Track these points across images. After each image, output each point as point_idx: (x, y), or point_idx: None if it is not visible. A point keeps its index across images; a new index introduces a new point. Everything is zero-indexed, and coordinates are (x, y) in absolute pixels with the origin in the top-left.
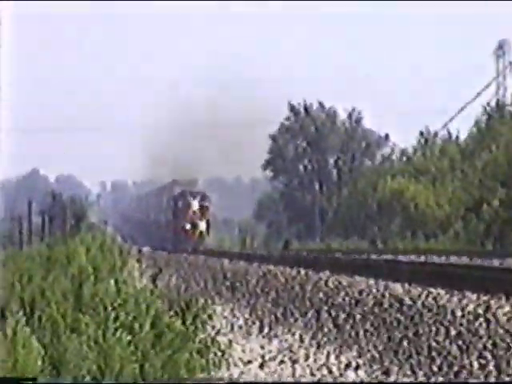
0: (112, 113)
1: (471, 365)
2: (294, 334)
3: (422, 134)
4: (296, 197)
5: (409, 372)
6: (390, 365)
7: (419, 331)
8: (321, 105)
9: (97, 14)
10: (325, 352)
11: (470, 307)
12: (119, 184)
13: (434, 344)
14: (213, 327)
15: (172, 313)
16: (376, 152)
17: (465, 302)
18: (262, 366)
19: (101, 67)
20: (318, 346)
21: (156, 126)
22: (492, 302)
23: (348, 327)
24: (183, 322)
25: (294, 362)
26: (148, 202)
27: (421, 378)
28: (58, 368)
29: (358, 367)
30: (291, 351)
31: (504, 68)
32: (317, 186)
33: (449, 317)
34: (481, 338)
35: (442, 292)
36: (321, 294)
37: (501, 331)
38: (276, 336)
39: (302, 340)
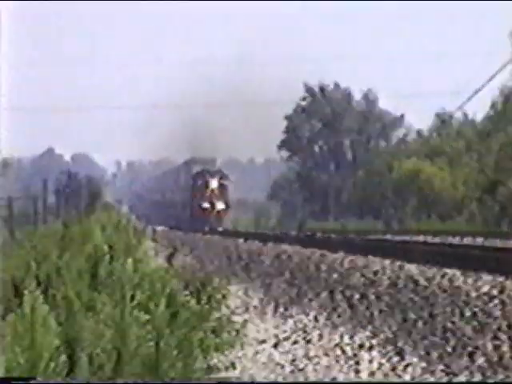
0: (127, 91)
1: (485, 346)
2: (308, 315)
3: (438, 115)
4: (311, 177)
5: (422, 352)
6: (404, 345)
7: (434, 312)
8: (336, 86)
9: None
10: (339, 332)
11: (485, 288)
12: (135, 163)
13: (448, 325)
14: (227, 307)
15: (187, 292)
16: (391, 133)
17: (480, 283)
18: (276, 346)
19: (115, 45)
20: (332, 327)
21: (173, 104)
22: (507, 282)
23: (362, 308)
24: (198, 302)
25: (308, 341)
26: (164, 182)
27: (434, 360)
28: (73, 346)
29: (371, 348)
30: (305, 331)
31: None
32: (332, 167)
33: (464, 298)
34: (495, 319)
35: (458, 273)
36: (335, 275)
37: None
38: (290, 316)
39: (316, 320)
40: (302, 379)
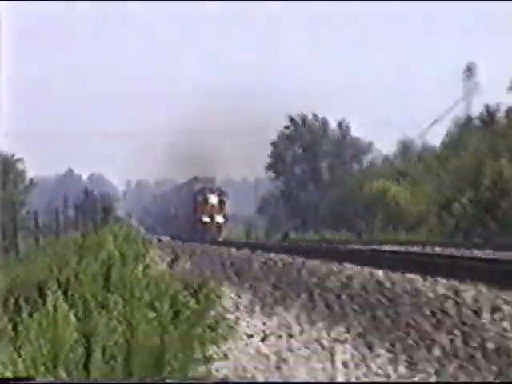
0: (136, 121)
1: (441, 340)
2: (290, 313)
3: (401, 142)
4: (293, 195)
5: (388, 345)
6: (373, 339)
7: (398, 311)
8: (314, 116)
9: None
10: (317, 328)
11: (442, 290)
12: (142, 182)
13: (410, 322)
14: (222, 306)
15: (187, 293)
16: (363, 157)
17: (437, 286)
18: (263, 340)
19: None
20: (312, 323)
21: (177, 131)
22: (460, 286)
23: (337, 307)
24: (197, 302)
25: (291, 336)
26: (169, 198)
27: (399, 351)
28: (89, 339)
29: (345, 341)
30: (288, 327)
31: (470, 87)
32: (311, 186)
33: (423, 299)
34: (450, 316)
35: (418, 277)
36: (314, 279)
37: (467, 311)
38: (275, 314)
39: (297, 318)
40: (285, 368)
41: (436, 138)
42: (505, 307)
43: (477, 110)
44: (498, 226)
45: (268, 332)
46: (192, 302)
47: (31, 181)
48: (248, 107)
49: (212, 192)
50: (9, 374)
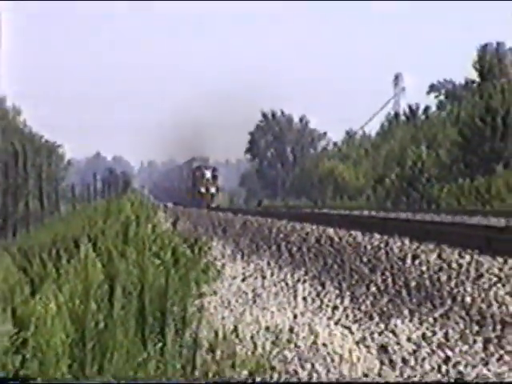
0: (146, 113)
1: (376, 280)
2: (263, 260)
3: (347, 132)
4: (266, 172)
5: (336, 284)
6: (325, 280)
7: (343, 258)
8: (282, 112)
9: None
10: (283, 272)
11: (376, 243)
12: (152, 163)
13: (353, 266)
14: (212, 255)
15: (185, 245)
16: (318, 144)
17: (372, 240)
18: (243, 280)
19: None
20: (279, 268)
21: (179, 122)
22: (390, 240)
23: (298, 256)
24: (192, 252)
25: (264, 277)
26: (173, 174)
27: (344, 288)
28: (112, 280)
29: (305, 281)
30: (262, 271)
31: (399, 91)
32: (279, 166)
33: (362, 249)
34: (382, 262)
35: (359, 233)
36: (281, 235)
37: (395, 258)
38: (252, 261)
39: (269, 264)
40: (259, 302)
41: (372, 129)
42: (422, 255)
43: (403, 108)
44: (418, 195)
45: (247, 274)
46: (189, 252)
47: (69, 161)
48: (236, 104)
49: (207, 169)
50: (52, 306)
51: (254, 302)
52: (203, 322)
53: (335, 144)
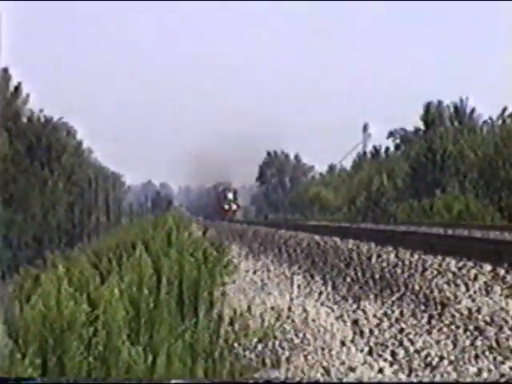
0: (183, 149)
1: (350, 273)
2: (268, 259)
3: (329, 166)
4: (270, 195)
5: (320, 275)
6: (314, 272)
7: (327, 258)
8: (282, 151)
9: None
10: (283, 266)
11: (350, 246)
12: (188, 187)
13: (334, 263)
14: (231, 255)
15: (212, 248)
16: (308, 174)
17: (349, 244)
18: (254, 273)
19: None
20: (279, 264)
21: (209, 157)
22: (361, 244)
23: (294, 255)
24: (217, 252)
25: (269, 271)
26: (204, 195)
27: (327, 279)
28: (159, 273)
29: (298, 274)
30: (267, 266)
31: (366, 136)
32: (280, 191)
33: (340, 251)
34: (354, 260)
35: (338, 239)
36: (281, 240)
37: (364, 257)
38: (260, 259)
39: (272, 261)
40: (266, 288)
41: (347, 164)
42: (384, 255)
43: (369, 148)
44: (380, 211)
45: (256, 269)
46: (215, 253)
47: (128, 187)
48: (248, 143)
49: (229, 191)
50: (116, 292)
51: (262, 289)
52: (225, 303)
53: (320, 174)
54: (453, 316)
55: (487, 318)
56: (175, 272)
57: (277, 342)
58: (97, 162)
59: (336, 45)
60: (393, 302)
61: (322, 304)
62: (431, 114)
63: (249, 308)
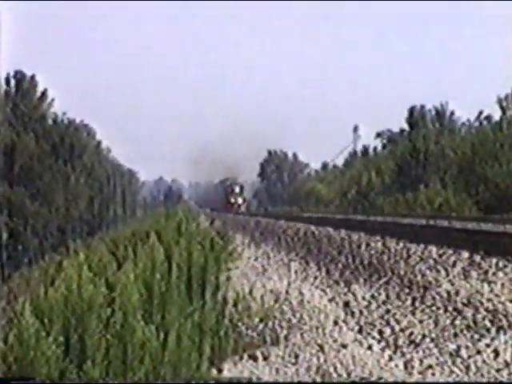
0: (194, 147)
1: (341, 260)
2: (268, 246)
3: (323, 164)
4: (270, 189)
5: (315, 262)
6: (309, 259)
7: (321, 246)
8: (281, 151)
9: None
10: (281, 253)
11: (343, 235)
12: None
13: (327, 251)
14: (235, 243)
15: (218, 237)
16: (304, 171)
17: (341, 233)
18: (255, 260)
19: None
20: (278, 252)
21: (217, 154)
22: (352, 234)
23: (292, 244)
24: (223, 241)
25: (269, 258)
26: (211, 189)
27: (321, 265)
28: (170, 259)
29: (295, 260)
30: (267, 254)
31: (356, 136)
32: (279, 186)
33: (333, 240)
34: (346, 248)
35: (331, 229)
36: (280, 230)
37: (354, 245)
38: (261, 247)
39: (272, 249)
40: (266, 273)
41: (339, 161)
42: (372, 243)
43: (359, 148)
44: (369, 204)
45: (257, 256)
46: (220, 241)
47: (142, 182)
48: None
49: (236, 185)
50: (131, 276)
51: (263, 274)
52: (229, 287)
53: (315, 171)
54: (434, 298)
55: (465, 300)
56: (184, 259)
57: (276, 322)
58: (114, 160)
59: (336, 47)
60: (380, 285)
61: (316, 287)
62: (415, 117)
63: (251, 291)
